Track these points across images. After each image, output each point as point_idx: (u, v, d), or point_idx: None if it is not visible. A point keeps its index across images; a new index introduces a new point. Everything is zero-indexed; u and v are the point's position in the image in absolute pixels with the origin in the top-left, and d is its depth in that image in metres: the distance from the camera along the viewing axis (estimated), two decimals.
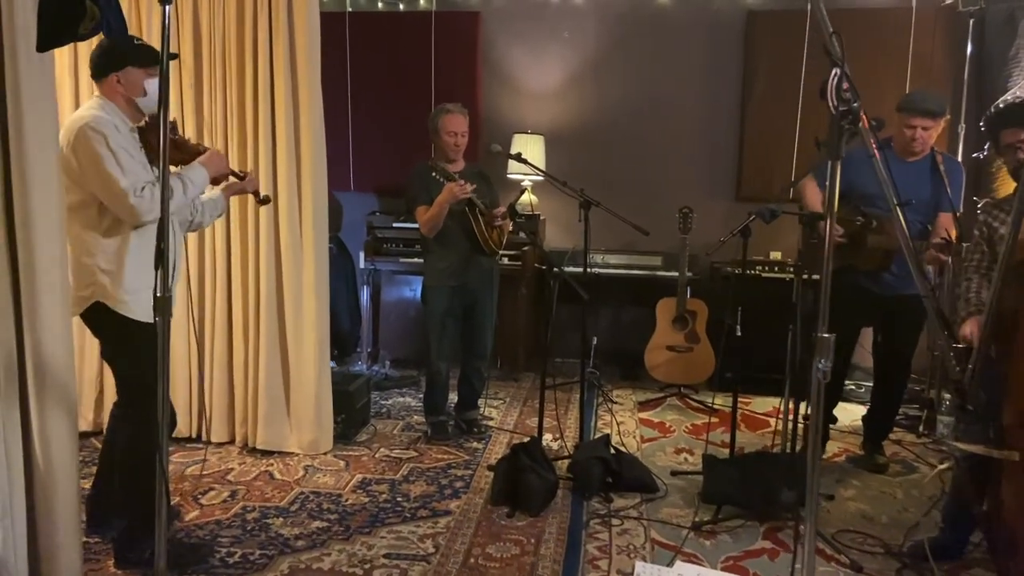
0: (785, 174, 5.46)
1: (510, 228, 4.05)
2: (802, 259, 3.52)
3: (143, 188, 2.58)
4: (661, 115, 5.65)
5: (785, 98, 5.42)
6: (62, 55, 3.74)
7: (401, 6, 5.70)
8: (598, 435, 4.23)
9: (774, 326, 4.47)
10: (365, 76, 5.76)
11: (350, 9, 5.73)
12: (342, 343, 5.79)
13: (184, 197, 2.72)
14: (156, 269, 2.08)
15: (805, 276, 3.36)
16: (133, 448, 2.71)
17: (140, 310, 2.68)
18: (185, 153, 2.86)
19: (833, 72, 1.73)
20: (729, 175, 5.64)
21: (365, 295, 5.54)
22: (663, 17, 5.58)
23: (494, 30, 5.70)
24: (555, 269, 3.67)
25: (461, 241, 3.96)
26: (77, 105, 3.60)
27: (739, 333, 3.53)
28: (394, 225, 5.44)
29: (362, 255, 5.42)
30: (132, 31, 3.72)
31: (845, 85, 1.74)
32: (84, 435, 3.93)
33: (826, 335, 1.82)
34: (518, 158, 3.86)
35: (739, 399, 3.74)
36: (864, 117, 1.75)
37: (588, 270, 3.91)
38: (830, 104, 1.74)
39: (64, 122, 2.61)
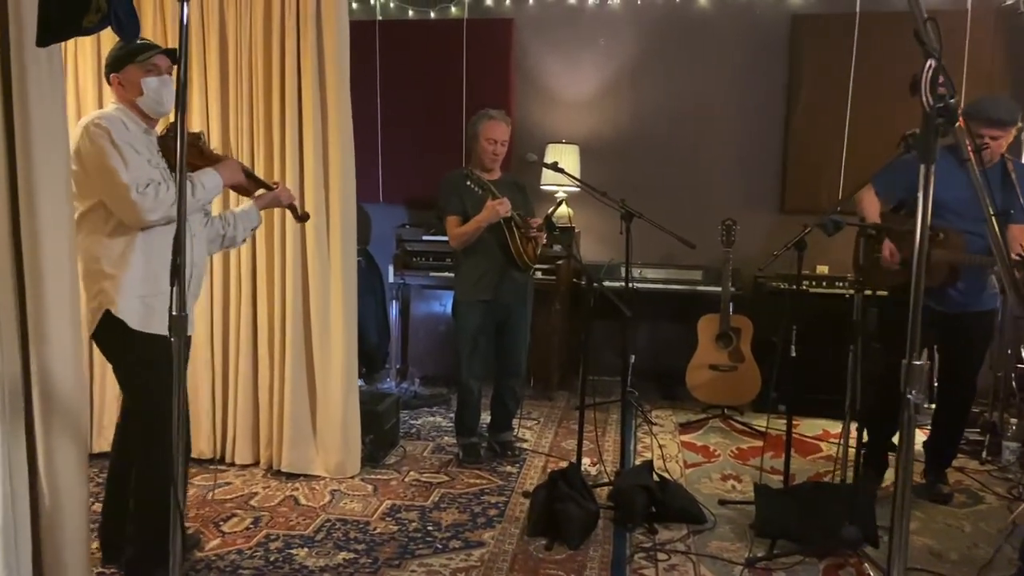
0: (833, 184, 5.23)
1: (544, 241, 3.85)
2: (863, 275, 3.27)
3: (147, 185, 2.46)
4: (701, 124, 5.44)
5: (832, 105, 5.19)
6: (85, 60, 3.62)
7: (432, 14, 5.56)
8: (639, 460, 4.01)
9: (824, 344, 4.27)
10: (395, 86, 5.62)
11: (380, 18, 5.60)
12: (370, 360, 5.62)
13: (192, 199, 2.57)
14: (172, 286, 1.92)
15: (868, 293, 3.12)
16: (145, 476, 2.55)
17: (140, 319, 2.54)
18: (206, 161, 2.73)
19: (928, 64, 1.52)
20: (773, 186, 5.40)
21: (394, 310, 5.36)
22: (703, 22, 5.37)
23: (527, 37, 5.53)
24: (594, 284, 3.47)
25: (495, 254, 3.78)
26: None
27: (794, 353, 3.28)
28: (424, 238, 5.27)
29: (391, 269, 5.26)
30: (156, 35, 3.61)
31: (940, 78, 1.52)
32: (105, 455, 3.78)
33: (919, 363, 1.59)
34: (556, 168, 3.67)
35: (789, 420, 3.49)
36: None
37: (629, 285, 3.70)
38: (924, 100, 1.52)
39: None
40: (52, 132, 2.06)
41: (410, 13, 5.59)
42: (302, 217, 3.07)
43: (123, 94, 2.58)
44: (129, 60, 2.56)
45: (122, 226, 2.52)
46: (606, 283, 4.85)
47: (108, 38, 3.11)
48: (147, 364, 2.51)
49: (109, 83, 2.61)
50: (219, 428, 3.83)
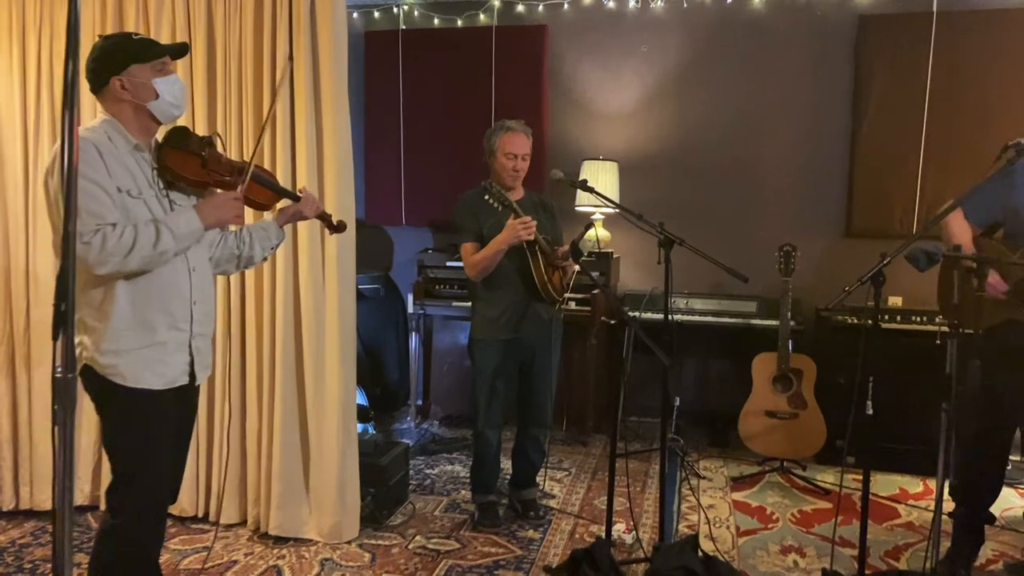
0: (907, 205, 4.62)
1: (576, 269, 3.33)
2: (957, 315, 2.68)
3: (95, 232, 2.01)
4: (756, 138, 4.88)
5: (906, 115, 4.59)
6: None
7: (459, 22, 5.13)
8: (683, 524, 3.46)
9: (899, 387, 3.67)
10: (419, 99, 5.20)
11: (403, 27, 5.19)
12: (390, 396, 5.18)
13: (153, 250, 2.08)
14: (55, 339, 1.47)
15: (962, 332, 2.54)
16: (106, 545, 2.23)
17: (130, 373, 2.15)
18: (216, 171, 2.25)
19: None
20: (838, 207, 4.80)
21: (414, 342, 4.89)
22: (758, 25, 4.83)
23: (562, 45, 5.06)
24: (625, 321, 2.94)
25: (515, 285, 3.28)
26: None
27: (870, 409, 2.70)
28: (448, 264, 4.80)
29: (410, 298, 4.80)
30: (139, 28, 3.24)
31: None
32: (80, 509, 3.40)
33: None
34: (583, 186, 3.17)
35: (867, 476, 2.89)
36: None
37: (670, 318, 3.15)
38: None
39: None
40: None
41: (435, 21, 5.16)
42: (337, 227, 2.58)
43: (126, 100, 2.14)
44: (133, 59, 2.14)
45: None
46: (648, 315, 4.32)
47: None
48: (124, 419, 2.18)
49: (100, 92, 2.16)
50: (203, 482, 3.39)
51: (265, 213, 2.75)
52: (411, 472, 4.01)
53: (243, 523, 3.35)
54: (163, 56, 2.18)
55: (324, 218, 2.54)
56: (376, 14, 5.24)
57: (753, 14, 4.83)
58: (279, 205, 2.51)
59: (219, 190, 2.28)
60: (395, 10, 5.20)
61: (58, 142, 2.04)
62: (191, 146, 2.22)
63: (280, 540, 3.22)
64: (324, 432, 3.20)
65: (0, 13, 3.33)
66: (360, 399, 4.04)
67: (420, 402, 5.08)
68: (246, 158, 3.19)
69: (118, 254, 2.04)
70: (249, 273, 3.25)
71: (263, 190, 2.35)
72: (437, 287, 4.83)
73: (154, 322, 2.16)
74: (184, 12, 3.22)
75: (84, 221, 2.00)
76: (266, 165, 3.19)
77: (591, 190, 3.11)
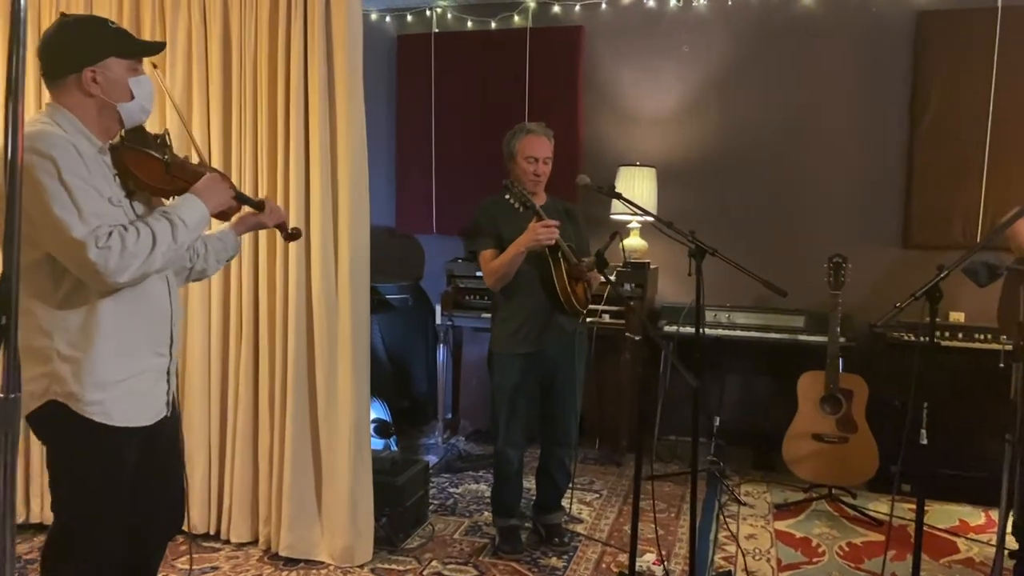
0: (970, 213, 4.30)
1: (600, 280, 3.13)
2: (1016, 332, 2.41)
3: (110, 235, 1.80)
4: (805, 143, 4.61)
5: (968, 118, 4.27)
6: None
7: (493, 24, 4.97)
8: (718, 554, 3.22)
9: (961, 410, 3.37)
10: (450, 105, 5.05)
11: (436, 30, 5.06)
12: (419, 410, 5.03)
13: (174, 243, 1.91)
14: None
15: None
16: None
17: (118, 410, 1.93)
18: (180, 177, 2.03)
19: None
20: (893, 215, 4.49)
21: (441, 354, 4.73)
22: (808, 23, 4.56)
23: (599, 46, 4.86)
24: (655, 340, 2.73)
25: (537, 294, 3.08)
26: None
27: (924, 440, 2.43)
28: (477, 274, 4.61)
29: (439, 308, 4.64)
30: (156, 32, 3.14)
31: None
32: (26, 527, 3.27)
33: None
34: (610, 193, 2.96)
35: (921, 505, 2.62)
36: None
37: (702, 332, 2.90)
38: None
39: None
40: None
41: (469, 24, 5.02)
42: (291, 235, 2.37)
43: (93, 95, 1.90)
44: (113, 52, 1.91)
45: (79, 291, 1.88)
46: (686, 329, 4.06)
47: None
48: (96, 465, 1.93)
49: (57, 79, 1.90)
50: (215, 497, 3.27)
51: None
52: (434, 491, 3.85)
53: (254, 542, 3.22)
54: (146, 54, 2.00)
55: (282, 228, 2.32)
56: (409, 17, 5.12)
57: (802, 11, 4.57)
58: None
59: (194, 186, 2.07)
60: (428, 13, 5.07)
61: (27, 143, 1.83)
62: (151, 147, 1.98)
63: (291, 562, 3.08)
64: (336, 449, 3.05)
65: None
66: (382, 413, 3.89)
67: (449, 416, 4.92)
68: (260, 164, 3.10)
69: (141, 254, 1.82)
70: (262, 285, 3.13)
71: None
72: (467, 297, 4.66)
73: (139, 348, 1.96)
74: (200, 9, 3.13)
75: (90, 223, 1.79)
76: (278, 169, 3.08)
77: (618, 196, 2.91)
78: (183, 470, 2.30)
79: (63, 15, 1.99)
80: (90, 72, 1.89)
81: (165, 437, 2.12)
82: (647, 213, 2.95)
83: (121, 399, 1.93)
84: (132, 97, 1.95)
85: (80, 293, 1.89)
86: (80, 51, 1.90)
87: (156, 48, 2.07)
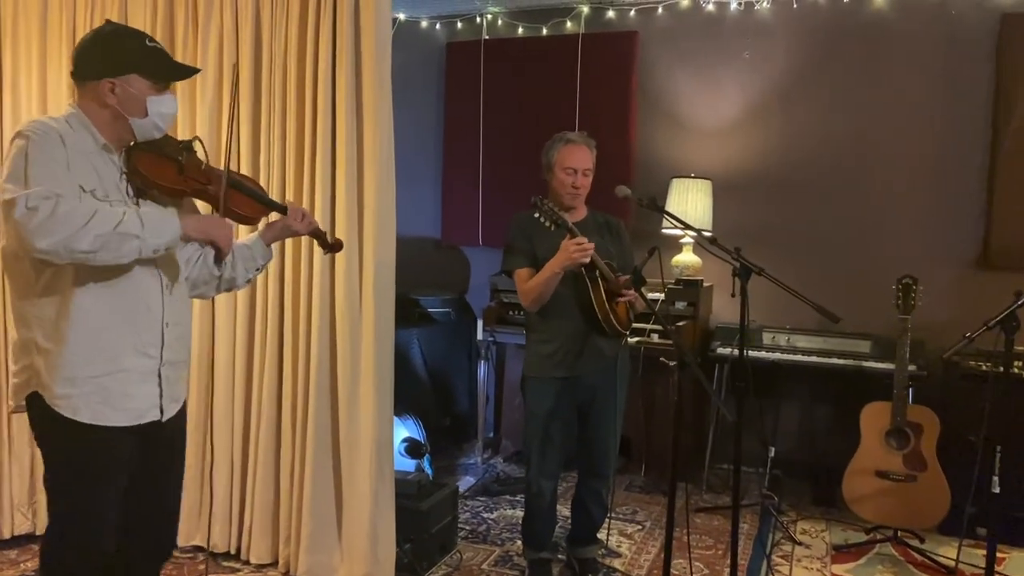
0: None
1: (634, 301, 2.91)
2: None
3: (46, 200, 1.70)
4: (874, 156, 4.29)
5: None
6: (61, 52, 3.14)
7: (544, 30, 4.81)
8: None
9: None
10: (499, 113, 4.90)
11: (486, 36, 4.92)
12: (460, 428, 4.88)
13: (114, 232, 1.76)
14: None
15: None
16: None
17: (86, 407, 1.88)
18: (195, 178, 1.99)
19: None
20: (972, 233, 4.14)
21: (482, 371, 4.57)
22: (880, 28, 4.25)
23: (654, 53, 4.64)
24: (688, 365, 2.50)
25: (573, 316, 2.88)
26: None
27: (997, 488, 2.14)
28: None
29: (480, 323, 4.48)
30: (187, 47, 3.08)
31: None
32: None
33: None
34: (653, 206, 2.74)
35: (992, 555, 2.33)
36: None
37: (754, 355, 2.67)
38: None
39: None
40: None
41: (520, 30, 4.87)
42: (333, 246, 2.33)
43: (109, 104, 1.90)
44: (137, 69, 1.91)
45: (56, 280, 1.85)
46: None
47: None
48: (77, 462, 1.93)
49: (82, 81, 1.92)
50: (236, 514, 3.17)
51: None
52: (467, 515, 3.69)
53: (274, 563, 3.10)
54: (172, 80, 1.97)
55: (318, 235, 2.24)
56: (459, 24, 5.00)
57: (874, 15, 4.26)
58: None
59: (198, 201, 2.03)
60: (478, 19, 4.94)
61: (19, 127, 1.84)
62: (166, 150, 1.97)
63: None
64: (356, 470, 2.91)
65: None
66: (415, 432, 3.74)
67: (491, 435, 4.75)
68: (290, 167, 2.99)
69: (69, 225, 1.70)
70: (287, 297, 3.02)
71: (246, 200, 2.07)
72: (510, 313, 4.48)
73: (118, 346, 1.90)
74: (232, 14, 3.05)
75: (32, 187, 1.71)
76: (304, 173, 2.97)
77: (659, 209, 2.69)
78: (179, 487, 2.20)
79: (108, 22, 2.03)
80: (109, 83, 1.90)
81: (163, 442, 2.06)
82: (688, 227, 2.73)
83: (90, 396, 1.88)
84: (146, 115, 1.93)
85: (57, 282, 1.85)
86: (106, 61, 1.91)
87: (186, 74, 2.05)
